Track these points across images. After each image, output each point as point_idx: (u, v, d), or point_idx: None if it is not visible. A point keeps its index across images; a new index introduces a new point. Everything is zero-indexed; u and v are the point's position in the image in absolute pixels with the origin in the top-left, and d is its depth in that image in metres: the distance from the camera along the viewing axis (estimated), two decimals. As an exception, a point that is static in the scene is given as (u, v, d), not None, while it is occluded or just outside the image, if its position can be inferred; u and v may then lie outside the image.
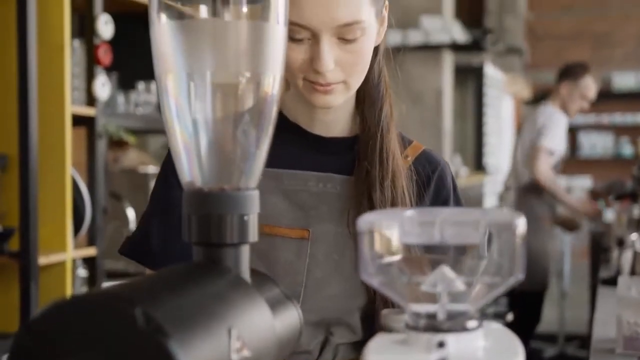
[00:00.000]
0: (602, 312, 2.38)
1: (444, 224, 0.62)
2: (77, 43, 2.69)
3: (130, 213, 3.00)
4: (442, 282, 0.63)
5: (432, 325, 0.60)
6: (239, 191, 0.71)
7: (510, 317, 4.23)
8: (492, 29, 8.17)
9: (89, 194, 2.65)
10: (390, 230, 0.63)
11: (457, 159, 6.01)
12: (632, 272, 2.68)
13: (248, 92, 0.72)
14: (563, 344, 5.14)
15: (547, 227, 4.15)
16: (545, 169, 4.03)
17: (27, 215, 2.37)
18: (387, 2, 1.17)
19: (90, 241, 2.75)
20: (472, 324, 0.60)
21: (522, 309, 4.17)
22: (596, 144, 9.09)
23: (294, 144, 1.17)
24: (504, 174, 6.22)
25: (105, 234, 2.84)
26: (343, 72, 1.08)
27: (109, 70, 2.81)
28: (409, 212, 0.65)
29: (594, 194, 8.68)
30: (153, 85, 3.09)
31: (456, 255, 0.64)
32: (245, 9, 0.71)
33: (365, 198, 1.12)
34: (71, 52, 2.60)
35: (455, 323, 0.60)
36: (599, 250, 4.01)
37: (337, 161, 1.17)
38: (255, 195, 0.72)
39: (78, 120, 2.64)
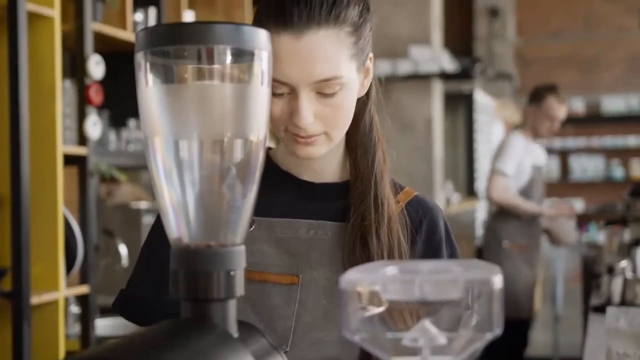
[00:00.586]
0: (592, 340, 2.39)
1: (424, 282, 0.64)
2: (68, 83, 2.71)
3: (123, 249, 3.01)
4: (424, 336, 0.65)
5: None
6: (226, 247, 0.73)
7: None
8: (480, 57, 8.25)
9: (81, 232, 2.66)
10: (372, 287, 0.65)
11: (449, 186, 6.04)
12: (623, 300, 2.70)
13: (234, 151, 0.74)
14: (557, 368, 5.14)
15: (515, 252, 4.11)
16: (498, 189, 4.06)
17: (19, 255, 2.38)
18: (371, 54, 1.18)
19: (83, 279, 2.76)
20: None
21: (507, 335, 4.18)
22: (587, 167, 9.14)
23: (285, 192, 1.20)
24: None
25: (97, 271, 2.85)
26: (323, 124, 1.10)
27: (100, 108, 2.83)
28: (390, 269, 0.67)
29: (585, 218, 8.72)
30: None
31: (437, 309, 0.66)
32: (229, 70, 0.73)
33: (360, 245, 1.13)
34: (62, 92, 2.62)
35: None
36: (591, 275, 4.03)
37: (328, 207, 1.18)
38: (241, 250, 0.74)
39: (70, 160, 2.66)
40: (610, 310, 1.80)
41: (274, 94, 1.08)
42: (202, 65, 0.73)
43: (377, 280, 0.65)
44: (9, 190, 2.40)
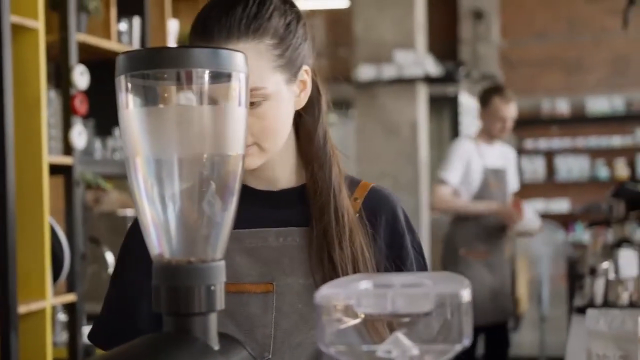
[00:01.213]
0: (574, 341, 2.42)
1: (396, 295, 0.67)
2: (53, 94, 2.73)
3: (109, 257, 3.03)
4: (397, 348, 0.68)
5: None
6: (206, 263, 0.75)
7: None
8: (465, 60, 8.29)
9: (67, 241, 2.68)
10: (347, 302, 0.68)
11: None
12: (605, 301, 2.73)
13: (213, 168, 0.77)
14: (544, 368, 5.18)
15: (473, 259, 4.00)
16: (437, 197, 4.02)
17: (6, 264, 2.39)
18: (306, 67, 1.19)
19: (70, 287, 2.77)
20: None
21: (489, 340, 4.17)
22: (572, 168, 9.20)
23: (247, 204, 1.22)
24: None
25: (84, 279, 2.87)
26: (251, 136, 1.13)
27: (85, 117, 2.85)
28: (364, 283, 0.70)
29: (571, 217, 8.76)
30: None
31: (409, 322, 0.69)
32: (208, 91, 0.76)
33: (326, 257, 1.16)
34: (47, 103, 2.64)
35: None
36: (576, 276, 4.05)
37: (292, 213, 1.21)
38: (221, 265, 0.76)
39: (55, 169, 2.67)
40: (590, 312, 1.82)
41: None
42: (181, 87, 0.76)
43: (352, 295, 0.68)
44: (-5, 200, 2.41)
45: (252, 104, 1.11)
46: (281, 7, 1.15)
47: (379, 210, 1.24)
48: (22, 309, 2.46)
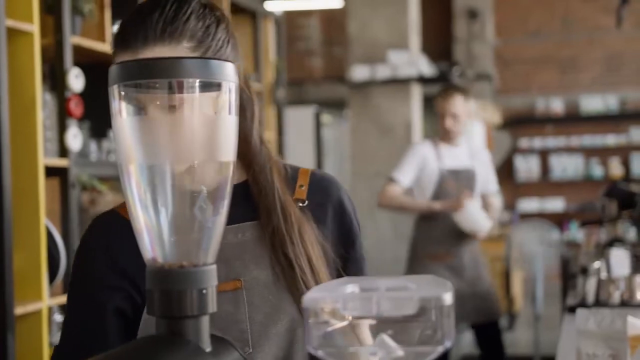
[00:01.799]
0: (566, 340, 2.44)
1: (381, 299, 0.69)
2: (48, 96, 2.75)
3: (105, 258, 3.04)
4: (382, 349, 0.70)
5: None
6: (198, 267, 0.77)
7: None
8: (459, 60, 8.32)
9: (63, 242, 2.69)
10: (333, 305, 0.70)
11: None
12: (597, 300, 2.75)
13: (205, 175, 0.79)
14: (538, 366, 5.21)
15: (433, 263, 3.96)
16: (383, 195, 3.96)
17: (2, 266, 2.41)
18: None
19: (66, 288, 2.78)
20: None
21: (479, 340, 4.17)
22: (567, 166, 9.24)
23: None
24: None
25: (81, 280, 2.88)
26: None
27: (80, 120, 2.86)
28: (350, 287, 0.72)
29: (566, 216, 8.79)
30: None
31: (394, 324, 0.71)
32: (199, 100, 0.78)
33: (281, 253, 1.20)
34: (43, 105, 2.66)
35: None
36: (569, 275, 4.06)
37: (241, 209, 1.22)
38: (212, 269, 0.78)
39: (51, 171, 2.69)
40: (580, 311, 1.84)
41: None
42: (173, 96, 0.78)
43: (338, 298, 0.70)
44: (-9, 202, 2.43)
45: (172, 107, 1.13)
46: (200, 10, 1.15)
47: (326, 200, 1.28)
48: (19, 310, 2.48)
